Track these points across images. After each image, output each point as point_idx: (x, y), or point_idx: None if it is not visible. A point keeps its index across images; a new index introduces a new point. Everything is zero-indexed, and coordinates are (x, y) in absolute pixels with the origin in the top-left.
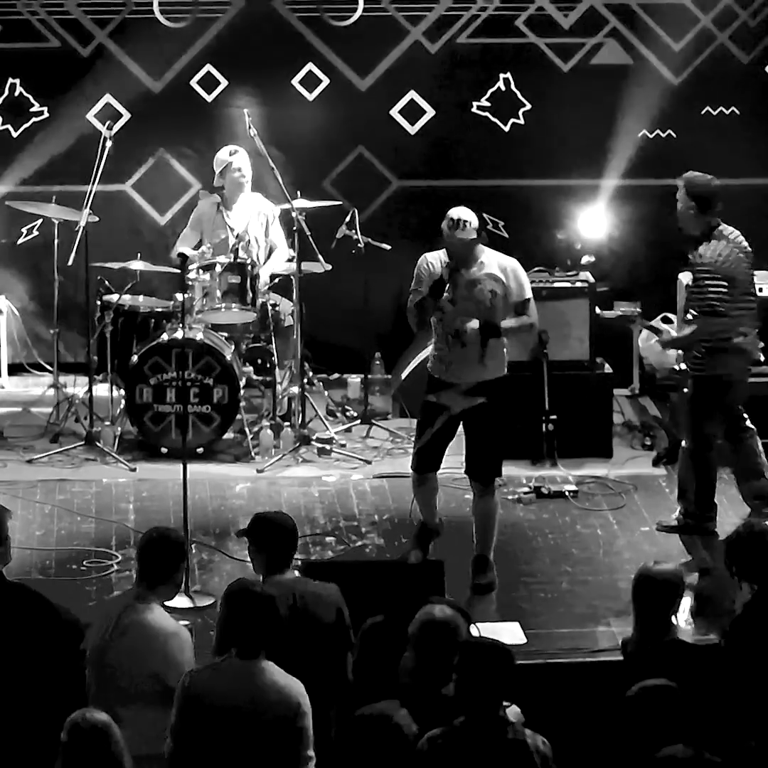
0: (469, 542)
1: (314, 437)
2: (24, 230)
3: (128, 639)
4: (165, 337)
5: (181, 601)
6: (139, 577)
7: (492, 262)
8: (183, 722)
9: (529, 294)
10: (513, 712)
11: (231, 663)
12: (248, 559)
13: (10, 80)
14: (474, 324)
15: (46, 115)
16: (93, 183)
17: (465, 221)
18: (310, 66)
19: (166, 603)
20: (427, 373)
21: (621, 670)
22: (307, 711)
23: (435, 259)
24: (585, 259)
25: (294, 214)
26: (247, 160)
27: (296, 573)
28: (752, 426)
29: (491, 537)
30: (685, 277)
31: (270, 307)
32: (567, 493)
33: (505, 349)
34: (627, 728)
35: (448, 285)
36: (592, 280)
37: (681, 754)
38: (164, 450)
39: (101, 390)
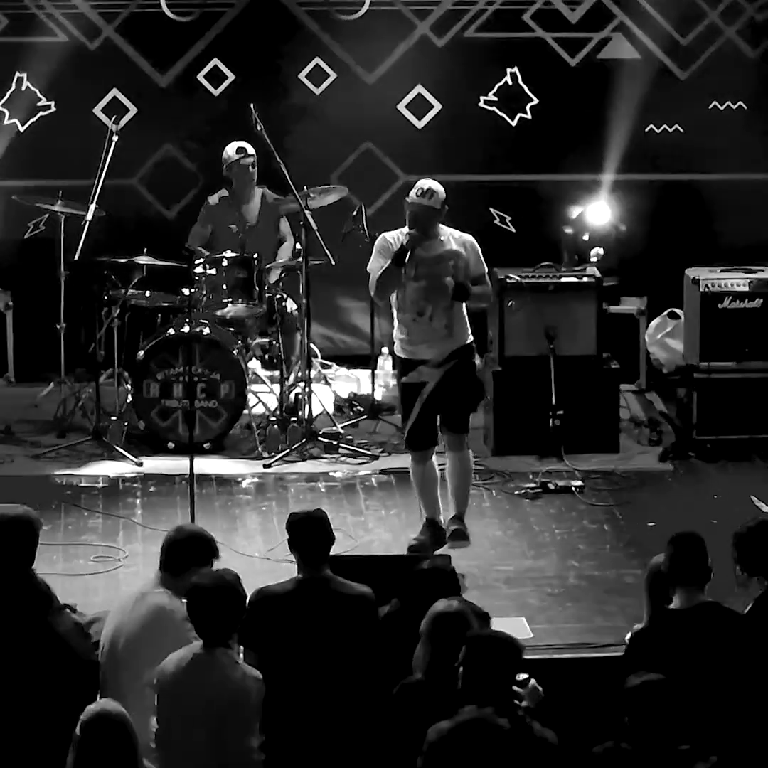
0: None
1: (321, 432)
2: (30, 225)
3: (143, 625)
4: (172, 331)
5: None
6: (161, 567)
7: (451, 238)
8: (160, 706)
9: (485, 267)
10: (530, 691)
11: (196, 651)
12: (254, 554)
13: (17, 74)
14: (450, 281)
15: (52, 109)
16: (99, 177)
17: (433, 191)
18: (317, 60)
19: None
20: (397, 358)
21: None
22: (256, 703)
23: (394, 237)
24: (593, 253)
25: (303, 210)
26: (253, 157)
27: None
28: None
29: (468, 494)
30: (692, 273)
31: (277, 302)
32: (573, 488)
33: (466, 318)
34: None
35: (408, 258)
36: (598, 275)
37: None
38: (171, 445)
39: (108, 385)
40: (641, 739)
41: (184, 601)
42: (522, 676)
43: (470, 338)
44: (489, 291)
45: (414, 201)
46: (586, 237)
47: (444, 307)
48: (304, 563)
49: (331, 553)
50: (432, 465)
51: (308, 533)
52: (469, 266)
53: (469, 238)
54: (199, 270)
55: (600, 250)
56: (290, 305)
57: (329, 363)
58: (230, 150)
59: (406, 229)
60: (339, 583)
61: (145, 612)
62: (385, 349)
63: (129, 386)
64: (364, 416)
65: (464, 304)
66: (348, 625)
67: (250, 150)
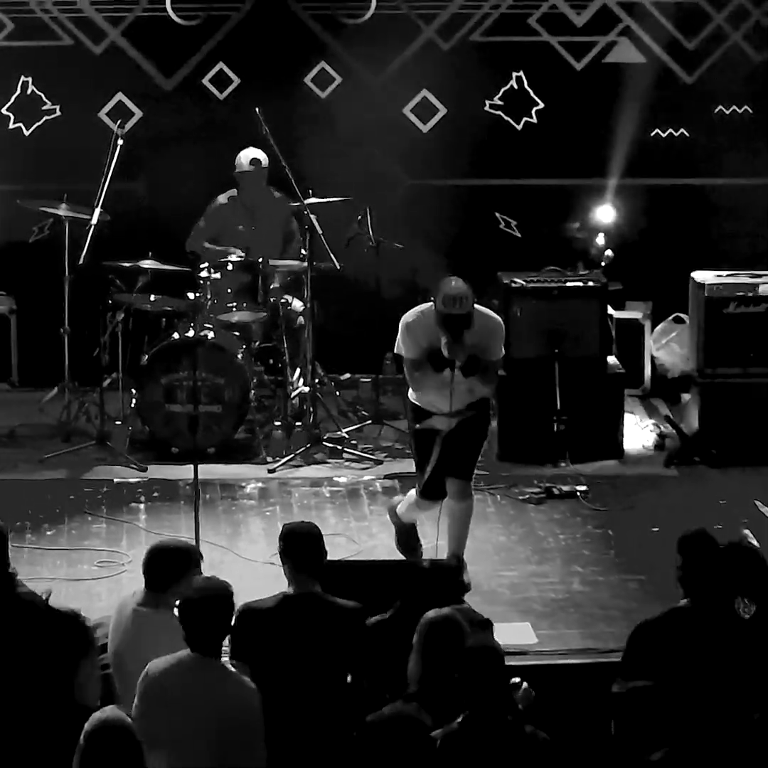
0: None
1: (325, 437)
2: (35, 229)
3: (144, 641)
4: (176, 336)
5: None
6: (147, 585)
7: (481, 322)
8: (142, 709)
9: (500, 353)
10: (522, 694)
11: (189, 658)
12: (258, 559)
13: (23, 78)
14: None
15: (58, 113)
16: (104, 181)
17: (464, 298)
18: (322, 64)
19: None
20: (411, 404)
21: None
22: (259, 715)
23: (420, 325)
24: (606, 254)
25: (307, 213)
26: (266, 169)
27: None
28: None
29: (465, 538)
30: (697, 277)
31: (281, 306)
32: (578, 494)
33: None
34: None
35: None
36: (603, 280)
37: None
38: (175, 450)
39: (112, 389)
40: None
41: (174, 614)
42: (515, 680)
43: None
44: (492, 380)
45: (447, 313)
46: (599, 240)
47: (467, 383)
48: (295, 573)
49: (335, 558)
50: (434, 508)
51: (302, 545)
52: (489, 352)
53: (495, 323)
54: (203, 274)
55: (610, 253)
56: (297, 304)
57: (333, 368)
58: (244, 159)
59: (430, 310)
60: (327, 599)
61: (133, 629)
62: (389, 354)
63: (133, 391)
64: (369, 421)
65: None
66: (336, 641)
67: (264, 161)
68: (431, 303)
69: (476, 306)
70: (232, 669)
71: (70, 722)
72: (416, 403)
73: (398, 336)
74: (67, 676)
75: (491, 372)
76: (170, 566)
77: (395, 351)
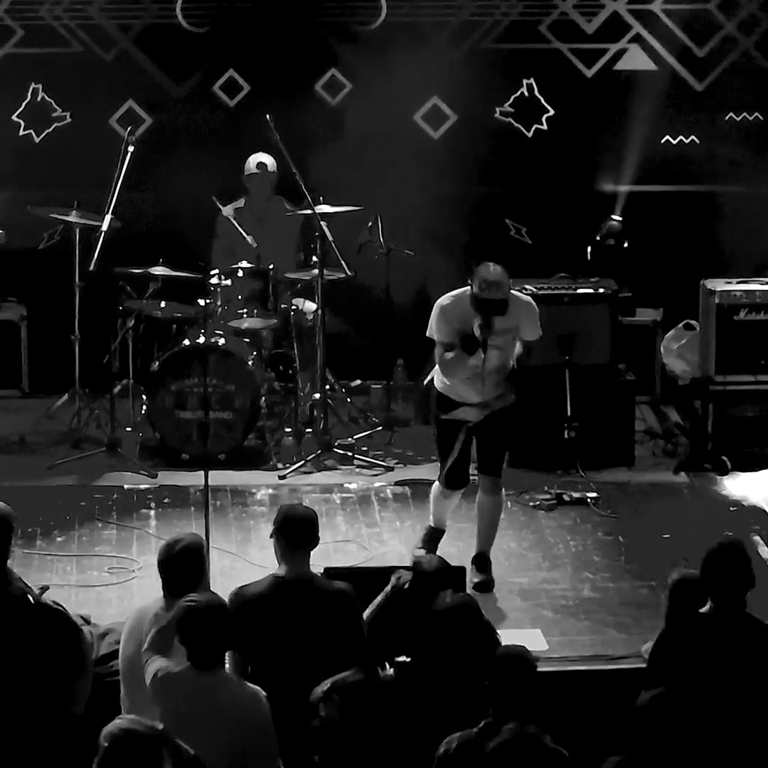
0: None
1: (336, 444)
2: (45, 235)
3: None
4: (187, 342)
5: None
6: (164, 587)
7: (514, 306)
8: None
9: (538, 333)
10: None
11: (190, 672)
12: (268, 566)
13: (33, 85)
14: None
15: (68, 120)
16: (115, 188)
17: (500, 283)
18: (333, 71)
19: None
20: (436, 392)
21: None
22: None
23: (453, 310)
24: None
25: (318, 220)
26: (274, 169)
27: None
28: None
29: (494, 534)
30: (708, 284)
31: (292, 313)
32: (588, 500)
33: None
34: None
35: (479, 341)
36: (614, 286)
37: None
38: (185, 456)
39: (122, 396)
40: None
41: None
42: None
43: (514, 397)
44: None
45: (483, 297)
46: (626, 244)
47: (498, 372)
48: (290, 552)
49: (347, 564)
50: (457, 496)
51: (300, 525)
52: (524, 334)
53: (527, 304)
54: (214, 281)
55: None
56: (309, 305)
57: (344, 381)
58: (252, 162)
59: (465, 294)
60: (319, 581)
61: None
62: (400, 360)
63: (143, 397)
64: (379, 427)
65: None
66: (329, 622)
67: (271, 166)
68: (467, 288)
69: (514, 292)
70: (237, 679)
71: (56, 720)
72: (443, 392)
73: (431, 319)
74: (54, 675)
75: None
76: (185, 569)
77: (428, 334)
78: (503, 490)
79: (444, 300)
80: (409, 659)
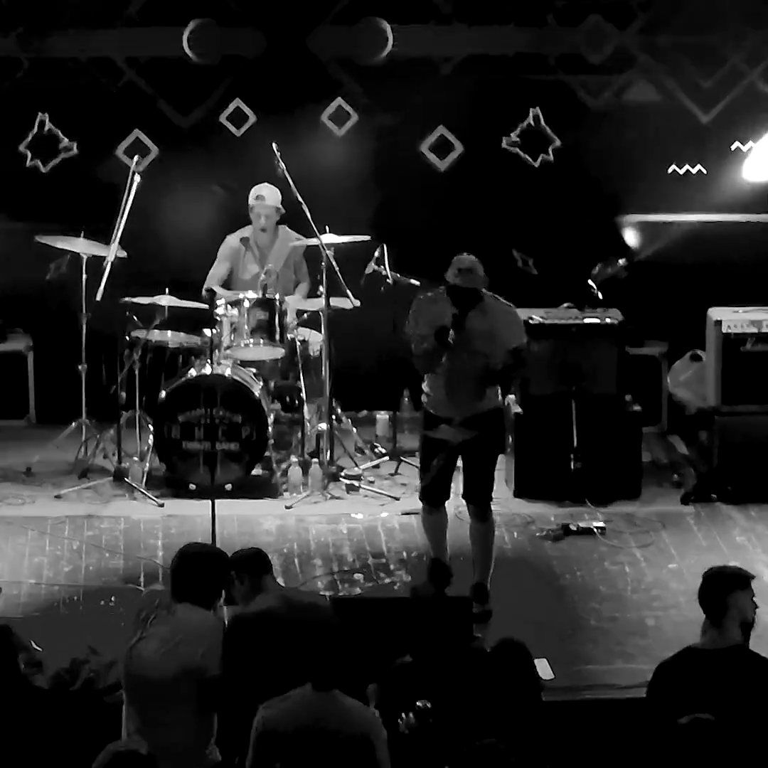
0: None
1: (342, 474)
2: (52, 266)
3: (159, 637)
4: (193, 373)
5: None
6: (172, 591)
7: (491, 309)
8: (258, 758)
9: (522, 339)
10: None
11: (304, 695)
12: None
13: (40, 116)
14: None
15: (75, 150)
16: (121, 218)
17: (472, 270)
18: (339, 101)
19: None
20: (423, 410)
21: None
22: (382, 741)
23: (428, 305)
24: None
25: (323, 250)
26: (273, 202)
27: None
28: None
29: (490, 563)
30: (714, 314)
31: (298, 343)
32: (595, 530)
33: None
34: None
35: (451, 332)
36: (621, 317)
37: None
38: (192, 486)
39: (129, 426)
40: None
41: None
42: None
43: (498, 401)
44: (521, 364)
45: (454, 282)
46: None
47: (473, 380)
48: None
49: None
50: (443, 513)
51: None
52: (504, 339)
53: (508, 309)
54: (220, 311)
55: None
56: (314, 338)
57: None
58: (252, 194)
59: (439, 290)
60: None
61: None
62: (407, 391)
63: (150, 428)
64: (386, 457)
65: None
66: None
67: (270, 197)
68: (444, 287)
69: (496, 297)
70: (348, 701)
71: None
72: (426, 407)
73: (409, 314)
74: None
75: (517, 361)
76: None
77: (405, 329)
78: (492, 518)
79: (421, 294)
80: (429, 704)
